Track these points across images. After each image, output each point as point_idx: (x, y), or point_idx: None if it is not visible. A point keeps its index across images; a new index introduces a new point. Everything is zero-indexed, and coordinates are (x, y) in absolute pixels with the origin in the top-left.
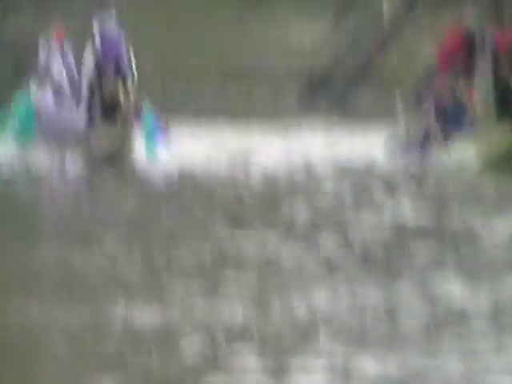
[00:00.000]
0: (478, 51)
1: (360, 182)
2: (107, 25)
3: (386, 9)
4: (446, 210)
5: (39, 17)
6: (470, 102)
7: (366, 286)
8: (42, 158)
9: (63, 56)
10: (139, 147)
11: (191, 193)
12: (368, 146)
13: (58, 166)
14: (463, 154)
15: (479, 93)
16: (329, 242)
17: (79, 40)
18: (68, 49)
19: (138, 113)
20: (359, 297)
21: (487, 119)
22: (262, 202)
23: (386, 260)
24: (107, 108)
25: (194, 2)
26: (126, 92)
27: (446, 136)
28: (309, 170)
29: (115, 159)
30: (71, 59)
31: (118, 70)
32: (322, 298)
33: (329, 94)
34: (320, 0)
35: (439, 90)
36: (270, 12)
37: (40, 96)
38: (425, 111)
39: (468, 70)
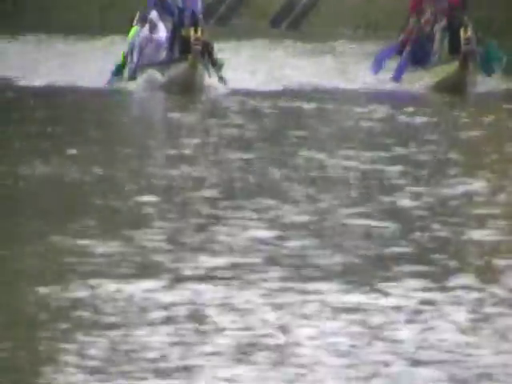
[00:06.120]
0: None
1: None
2: None
3: None
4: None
5: None
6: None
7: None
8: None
9: (163, 6)
10: (207, 74)
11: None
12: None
13: (148, 85)
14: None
15: (438, 33)
16: None
17: None
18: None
19: (206, 48)
20: None
21: (442, 52)
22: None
23: None
24: (183, 45)
25: None
26: (197, 34)
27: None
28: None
29: (187, 81)
30: (169, 7)
31: (193, 20)
32: None
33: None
34: None
35: (410, 27)
36: None
37: (141, 33)
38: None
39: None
